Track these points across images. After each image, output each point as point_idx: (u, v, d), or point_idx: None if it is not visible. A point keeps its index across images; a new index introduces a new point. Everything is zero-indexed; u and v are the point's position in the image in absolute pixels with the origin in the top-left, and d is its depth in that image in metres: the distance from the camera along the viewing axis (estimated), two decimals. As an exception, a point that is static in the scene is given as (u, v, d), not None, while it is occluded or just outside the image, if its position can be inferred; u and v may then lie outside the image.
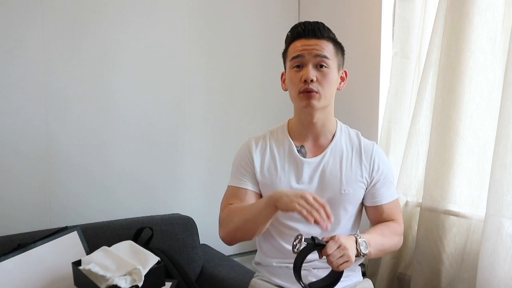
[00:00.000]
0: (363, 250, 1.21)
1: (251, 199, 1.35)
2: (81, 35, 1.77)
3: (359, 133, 1.40)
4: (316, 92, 1.27)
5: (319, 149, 1.36)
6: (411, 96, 1.73)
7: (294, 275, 1.13)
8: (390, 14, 1.80)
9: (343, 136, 1.37)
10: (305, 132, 1.36)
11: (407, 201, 1.68)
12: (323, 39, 1.28)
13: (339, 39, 1.34)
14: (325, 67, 1.27)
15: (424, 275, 1.59)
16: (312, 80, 1.25)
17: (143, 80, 1.91)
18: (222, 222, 1.34)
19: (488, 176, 1.38)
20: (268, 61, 2.07)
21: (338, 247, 1.13)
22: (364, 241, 1.22)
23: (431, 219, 1.57)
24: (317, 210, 1.11)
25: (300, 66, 1.29)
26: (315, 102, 1.27)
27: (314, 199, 1.13)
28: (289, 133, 1.38)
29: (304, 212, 1.10)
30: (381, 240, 1.30)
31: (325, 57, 1.27)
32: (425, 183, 1.60)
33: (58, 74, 1.74)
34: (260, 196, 1.38)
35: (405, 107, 1.74)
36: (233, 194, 1.37)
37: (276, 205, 1.16)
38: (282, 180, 1.33)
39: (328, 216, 1.12)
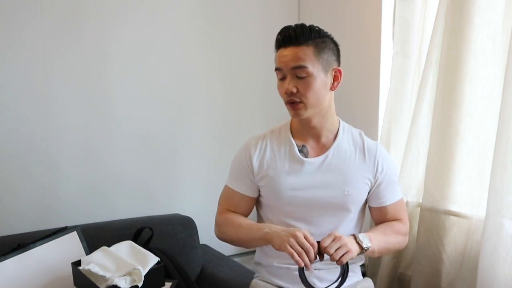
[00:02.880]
0: (366, 243, 1.22)
1: (245, 204, 1.39)
2: (80, 36, 1.77)
3: (362, 132, 1.39)
4: (300, 102, 1.26)
5: (321, 148, 1.35)
6: (411, 96, 1.73)
7: (304, 284, 1.18)
8: (390, 14, 1.79)
9: (346, 135, 1.36)
10: (306, 133, 1.35)
11: (407, 201, 1.68)
12: (302, 46, 1.24)
13: (339, 39, 1.31)
14: (305, 76, 1.24)
15: (424, 275, 1.59)
16: (292, 92, 1.25)
17: (142, 79, 1.90)
18: (217, 226, 1.40)
19: (489, 176, 1.38)
20: (268, 60, 2.05)
21: (334, 240, 1.16)
22: (365, 236, 1.24)
23: (432, 219, 1.57)
24: (307, 252, 1.14)
25: (283, 78, 1.28)
26: (301, 112, 1.27)
27: (305, 237, 1.16)
28: (291, 132, 1.37)
29: (296, 256, 1.14)
30: (383, 238, 1.30)
31: (302, 66, 1.23)
32: (425, 183, 1.60)
33: (57, 75, 1.74)
34: (257, 199, 1.39)
35: (405, 107, 1.74)
36: (228, 196, 1.40)
37: (270, 243, 1.22)
38: (283, 181, 1.32)
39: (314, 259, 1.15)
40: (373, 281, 1.43)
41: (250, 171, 1.36)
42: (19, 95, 1.68)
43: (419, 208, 1.63)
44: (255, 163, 1.35)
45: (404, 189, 1.66)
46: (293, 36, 1.24)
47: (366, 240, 1.23)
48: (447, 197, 1.54)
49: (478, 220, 1.47)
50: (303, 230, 1.19)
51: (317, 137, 1.35)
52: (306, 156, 1.34)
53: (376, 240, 1.27)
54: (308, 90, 1.24)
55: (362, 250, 1.22)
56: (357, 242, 1.22)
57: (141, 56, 1.89)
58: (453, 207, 1.54)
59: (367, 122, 1.87)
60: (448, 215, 1.54)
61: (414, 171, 1.66)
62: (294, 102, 1.26)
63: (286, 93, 1.26)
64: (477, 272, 1.39)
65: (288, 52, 1.25)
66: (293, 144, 1.35)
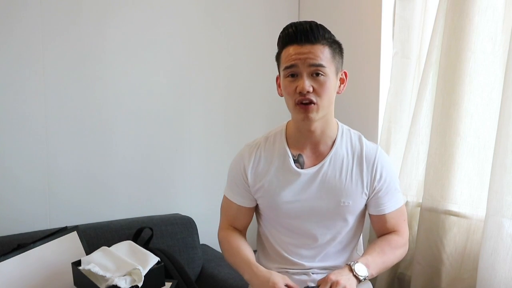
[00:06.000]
0: (363, 274, 1.20)
1: (243, 215, 1.39)
2: (79, 36, 1.77)
3: (362, 136, 1.34)
4: (314, 104, 1.19)
5: (318, 157, 1.29)
6: (411, 96, 1.73)
7: None
8: (390, 14, 1.79)
9: (344, 141, 1.30)
10: (303, 140, 1.29)
11: (407, 201, 1.68)
12: (318, 44, 1.18)
13: (339, 39, 1.29)
14: (322, 75, 1.19)
15: (424, 275, 1.59)
16: (308, 91, 1.18)
17: (143, 79, 1.90)
18: (219, 239, 1.41)
19: (488, 176, 1.38)
20: (268, 60, 2.06)
21: (331, 287, 1.16)
22: (361, 265, 1.22)
23: (431, 219, 1.57)
24: None
25: (294, 76, 1.20)
26: (312, 115, 1.20)
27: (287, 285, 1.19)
28: (287, 139, 1.32)
29: None
30: (381, 259, 1.27)
31: (321, 65, 1.18)
32: (425, 183, 1.60)
33: (57, 73, 1.74)
34: (255, 208, 1.38)
35: (405, 107, 1.74)
36: (227, 207, 1.40)
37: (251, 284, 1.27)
38: (278, 194, 1.28)
39: None
40: (372, 281, 1.43)
41: (245, 183, 1.33)
42: (19, 96, 1.68)
43: (419, 208, 1.63)
44: (250, 175, 1.32)
45: (404, 189, 1.66)
46: (310, 33, 1.18)
47: (362, 270, 1.21)
48: (447, 197, 1.54)
49: (478, 220, 1.47)
50: (282, 280, 1.20)
51: (315, 144, 1.29)
52: (302, 167, 1.28)
53: (374, 265, 1.24)
54: (323, 90, 1.19)
55: (360, 281, 1.21)
56: (354, 275, 1.20)
57: (141, 55, 1.89)
58: (453, 207, 1.53)
59: (367, 122, 1.87)
60: (448, 215, 1.54)
61: (414, 171, 1.66)
62: (307, 102, 1.19)
63: (300, 92, 1.18)
64: (477, 272, 1.39)
65: (305, 49, 1.18)
66: (288, 155, 1.29)
